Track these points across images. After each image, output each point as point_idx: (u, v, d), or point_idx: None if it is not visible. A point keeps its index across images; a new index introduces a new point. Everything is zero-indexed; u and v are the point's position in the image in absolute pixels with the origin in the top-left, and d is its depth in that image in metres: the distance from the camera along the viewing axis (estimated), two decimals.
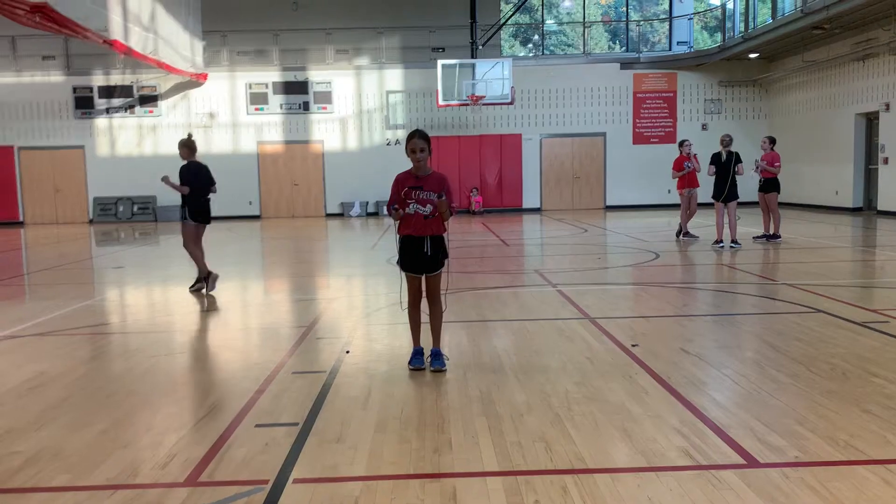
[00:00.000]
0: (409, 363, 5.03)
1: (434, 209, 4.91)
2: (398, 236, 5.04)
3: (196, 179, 8.75)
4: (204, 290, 8.81)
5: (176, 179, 8.76)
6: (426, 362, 5.03)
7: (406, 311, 5.20)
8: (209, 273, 8.82)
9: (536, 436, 3.67)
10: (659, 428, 3.74)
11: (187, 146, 8.82)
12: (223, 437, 3.74)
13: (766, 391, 4.36)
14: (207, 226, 9.05)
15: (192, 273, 9.27)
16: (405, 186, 4.93)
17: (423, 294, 5.08)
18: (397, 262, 5.07)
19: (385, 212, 23.41)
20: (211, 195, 9.07)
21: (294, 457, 3.46)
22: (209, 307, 8.07)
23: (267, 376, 4.91)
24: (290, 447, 3.58)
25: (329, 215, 23.38)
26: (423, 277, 5.03)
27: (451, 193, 5.00)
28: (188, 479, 3.24)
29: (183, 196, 8.73)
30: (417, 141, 4.87)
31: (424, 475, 3.23)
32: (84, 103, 22.95)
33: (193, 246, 8.83)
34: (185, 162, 8.80)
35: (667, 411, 4.00)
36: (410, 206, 4.92)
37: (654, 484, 3.08)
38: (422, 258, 4.96)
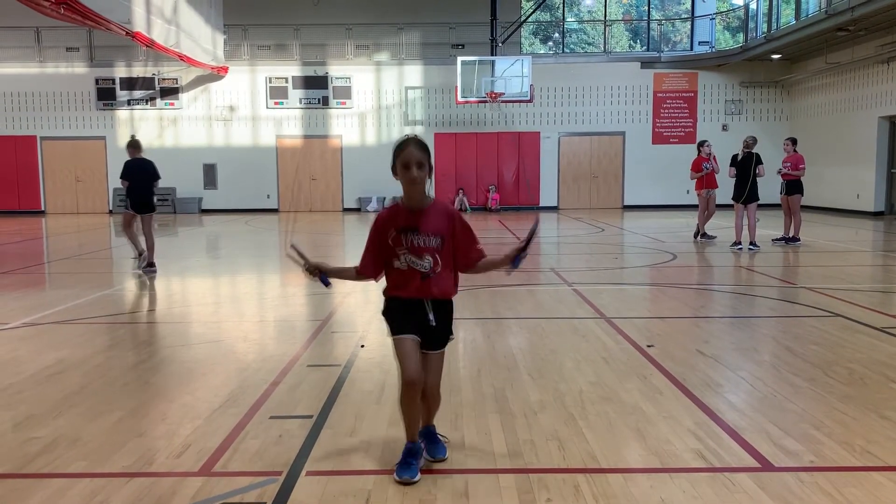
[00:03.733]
0: (397, 471, 3.15)
1: (436, 263, 3.15)
2: (387, 298, 3.29)
3: (135, 175, 9.97)
4: (139, 266, 9.98)
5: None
6: (420, 459, 3.26)
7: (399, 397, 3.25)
8: (142, 252, 10.05)
9: (550, 434, 3.67)
10: (673, 429, 3.72)
11: (132, 146, 10.16)
12: (238, 428, 3.77)
13: (782, 395, 4.33)
14: (154, 214, 10.31)
15: (209, 264, 9.38)
16: (391, 229, 3.17)
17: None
18: (386, 320, 3.29)
19: None
20: (156, 188, 10.37)
21: (308, 449, 3.48)
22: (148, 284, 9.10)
23: (282, 368, 4.94)
24: (304, 439, 3.60)
25: (346, 210, 23.45)
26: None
27: (470, 232, 3.27)
28: (202, 468, 3.27)
29: (126, 188, 9.97)
30: (413, 151, 3.09)
31: (437, 471, 3.23)
32: (106, 94, 23.17)
33: (130, 231, 10.14)
34: (129, 158, 10.05)
35: (681, 413, 3.99)
36: (401, 259, 3.15)
37: (668, 485, 3.07)
38: (417, 324, 3.18)
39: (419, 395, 3.19)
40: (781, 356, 5.28)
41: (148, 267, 9.87)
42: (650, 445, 3.51)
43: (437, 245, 3.17)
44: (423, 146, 3.17)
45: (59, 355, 5.55)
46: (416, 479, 3.13)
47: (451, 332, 3.31)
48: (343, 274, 3.36)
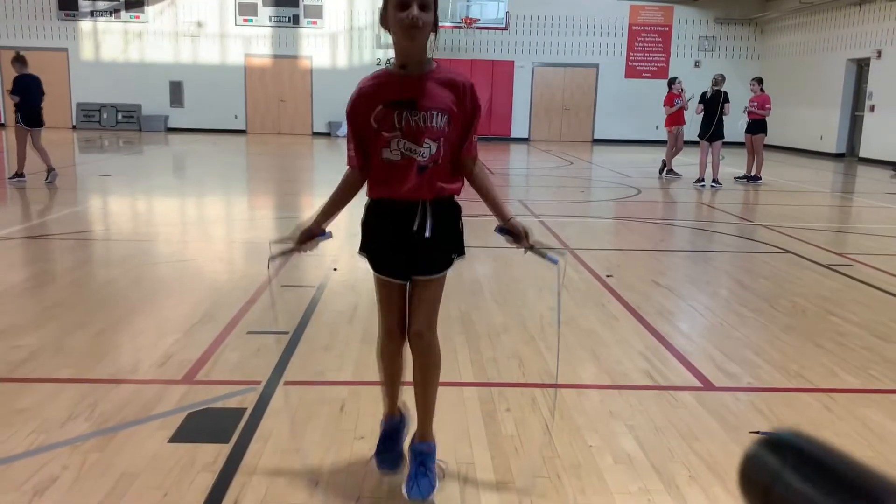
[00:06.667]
0: (376, 458, 2.62)
1: (440, 150, 2.33)
2: (368, 201, 2.49)
3: (26, 90, 10.26)
4: (23, 181, 10.27)
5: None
6: (402, 437, 2.67)
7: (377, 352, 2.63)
8: (51, 169, 10.41)
9: (511, 353, 3.93)
10: (625, 352, 4.01)
11: (18, 61, 10.42)
12: (216, 342, 3.96)
13: (728, 324, 4.64)
14: (43, 129, 10.62)
15: (176, 184, 9.39)
16: (377, 105, 2.31)
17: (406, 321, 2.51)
18: (361, 251, 2.56)
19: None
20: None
21: (285, 362, 3.69)
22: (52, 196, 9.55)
23: (257, 288, 5.11)
24: (281, 353, 3.81)
25: (316, 134, 23.23)
26: (409, 284, 2.49)
27: (477, 116, 2.42)
28: (185, 377, 3.47)
29: (16, 103, 10.27)
30: None
31: (406, 382, 3.46)
32: (68, 4, 22.28)
33: (23, 147, 10.39)
34: (17, 74, 10.34)
35: (634, 337, 4.27)
36: (392, 146, 2.32)
37: (616, 400, 3.36)
38: (407, 244, 2.41)
39: (400, 350, 2.54)
40: (732, 289, 5.60)
41: (17, 177, 10.29)
42: (603, 365, 3.80)
43: (443, 125, 2.32)
44: None
45: (33, 270, 5.65)
46: (398, 469, 2.59)
47: (456, 250, 2.48)
48: (336, 203, 2.48)
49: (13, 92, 10.24)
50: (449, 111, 2.33)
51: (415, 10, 2.18)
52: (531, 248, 2.46)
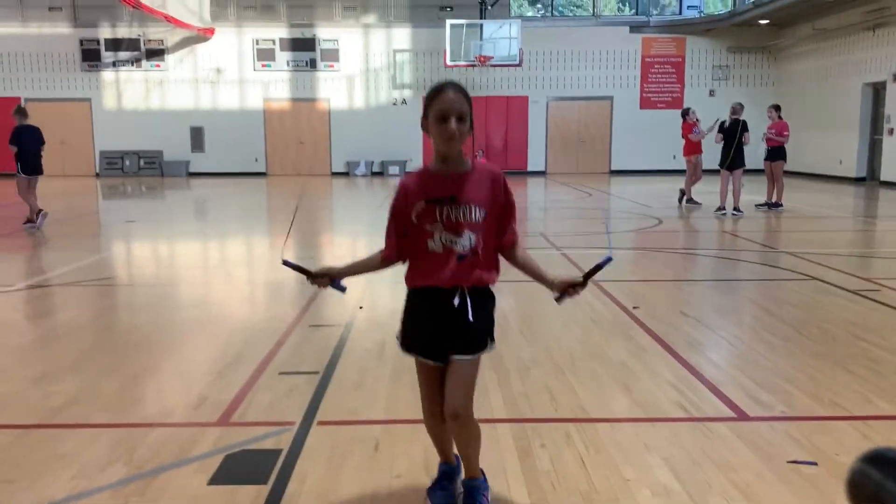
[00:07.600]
0: (430, 494, 2.75)
1: (479, 242, 2.48)
2: (409, 291, 2.62)
3: (23, 141, 10.73)
4: (35, 228, 10.60)
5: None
6: (457, 480, 2.80)
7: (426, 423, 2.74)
8: (39, 211, 10.76)
9: (541, 387, 3.93)
10: (656, 383, 3.99)
11: (19, 113, 10.94)
12: (249, 384, 4.00)
13: (758, 352, 4.61)
14: (40, 176, 11.09)
15: (199, 228, 9.52)
16: (419, 201, 2.49)
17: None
18: (398, 336, 2.69)
19: (391, 171, 23.10)
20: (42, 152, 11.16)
21: (317, 401, 3.72)
22: (40, 238, 10.04)
23: (285, 329, 5.16)
24: (313, 393, 3.84)
25: (335, 174, 23.51)
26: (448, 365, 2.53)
27: (512, 205, 2.57)
28: (220, 419, 3.50)
29: (15, 153, 10.69)
30: (454, 98, 2.40)
31: None
32: (91, 56, 22.92)
33: (27, 194, 10.77)
34: (17, 125, 10.74)
35: (664, 368, 4.25)
36: (435, 238, 2.47)
37: (650, 433, 3.34)
38: (444, 326, 2.50)
39: (438, 423, 2.63)
40: (759, 317, 5.56)
41: (29, 223, 10.63)
42: (635, 398, 3.78)
43: (481, 218, 2.47)
44: (465, 93, 2.44)
45: (63, 317, 5.74)
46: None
47: (490, 335, 2.56)
48: (361, 268, 2.63)
49: (11, 142, 10.67)
50: (486, 204, 2.49)
51: (453, 124, 2.39)
52: (585, 279, 2.55)
